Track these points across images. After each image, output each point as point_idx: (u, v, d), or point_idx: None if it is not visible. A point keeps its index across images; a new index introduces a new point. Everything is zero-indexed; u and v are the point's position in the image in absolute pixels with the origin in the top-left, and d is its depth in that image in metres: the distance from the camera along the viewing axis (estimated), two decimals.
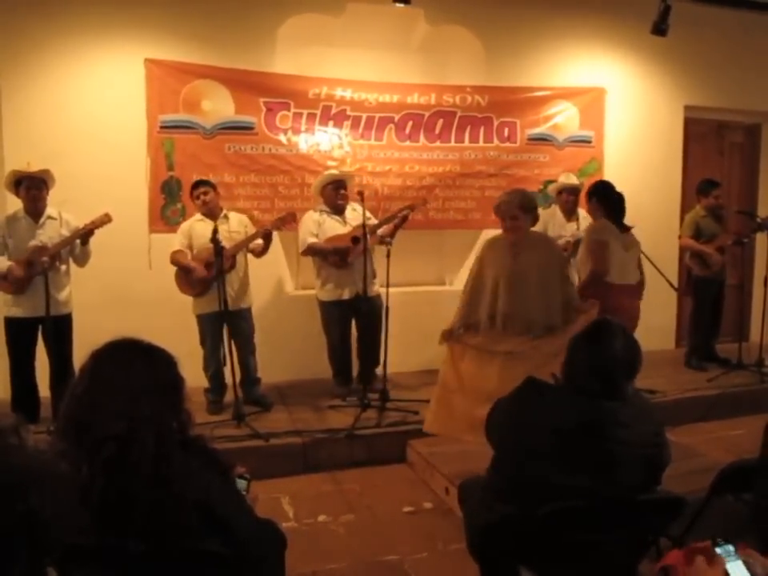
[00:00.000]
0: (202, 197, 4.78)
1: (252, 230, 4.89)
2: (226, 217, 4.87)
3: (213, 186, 4.87)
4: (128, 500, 1.52)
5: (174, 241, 4.82)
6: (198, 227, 4.73)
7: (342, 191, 5.09)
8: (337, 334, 5.22)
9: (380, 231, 5.06)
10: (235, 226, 4.86)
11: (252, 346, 4.95)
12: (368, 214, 5.14)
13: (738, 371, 5.72)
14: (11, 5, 4.88)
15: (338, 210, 5.11)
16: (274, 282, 5.66)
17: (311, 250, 5.08)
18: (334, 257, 5.00)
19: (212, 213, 4.81)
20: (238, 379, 4.63)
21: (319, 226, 5.08)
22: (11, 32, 4.91)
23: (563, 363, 2.22)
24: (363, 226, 4.71)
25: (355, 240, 4.81)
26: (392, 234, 4.99)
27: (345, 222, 5.08)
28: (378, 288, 5.12)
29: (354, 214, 5.08)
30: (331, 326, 5.21)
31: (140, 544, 1.52)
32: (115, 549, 1.51)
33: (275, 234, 4.90)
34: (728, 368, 5.78)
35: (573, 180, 5.64)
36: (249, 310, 4.95)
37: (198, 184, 4.86)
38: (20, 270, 4.34)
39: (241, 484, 1.94)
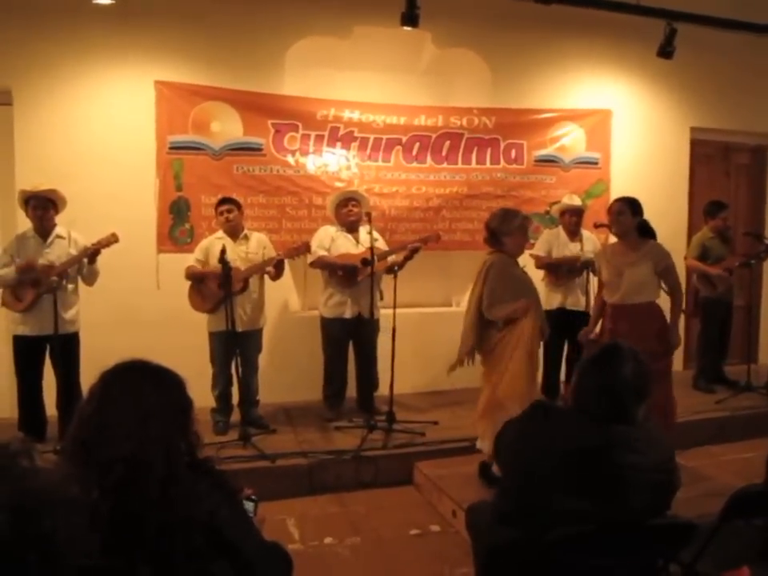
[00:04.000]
0: (225, 214, 4.81)
1: (271, 251, 4.91)
2: (246, 237, 4.89)
3: (238, 205, 4.89)
4: (136, 522, 1.52)
5: (191, 256, 4.86)
6: (216, 245, 4.72)
7: (351, 207, 5.08)
8: (332, 352, 5.21)
9: (390, 259, 5.07)
10: (254, 247, 4.87)
11: (255, 367, 4.95)
12: (378, 237, 5.16)
13: (747, 393, 5.69)
14: (23, 28, 4.96)
15: (351, 229, 5.12)
16: (280, 302, 5.67)
17: (320, 263, 5.08)
18: (341, 273, 5.01)
19: (234, 231, 4.84)
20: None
21: (332, 241, 5.10)
22: (24, 54, 4.98)
23: (572, 386, 2.21)
24: (371, 247, 4.73)
25: (365, 262, 4.81)
26: (402, 265, 4.99)
27: (358, 243, 5.09)
28: (378, 312, 5.10)
29: (368, 237, 5.10)
30: (329, 343, 5.21)
31: (148, 566, 1.51)
32: (123, 571, 1.50)
33: None
34: (736, 390, 5.75)
35: (576, 201, 5.65)
36: (260, 331, 4.96)
37: (223, 201, 4.89)
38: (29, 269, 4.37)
39: (248, 506, 1.93)
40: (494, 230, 4.06)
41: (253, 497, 1.97)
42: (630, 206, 4.38)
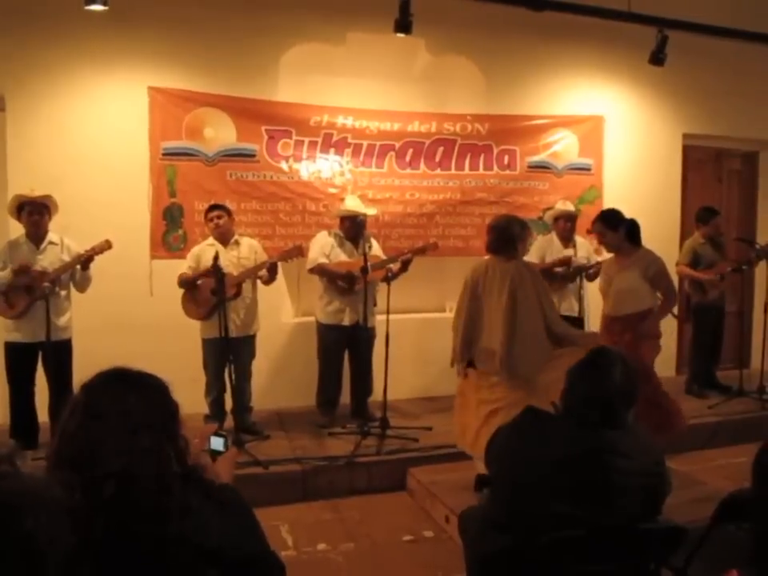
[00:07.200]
0: (215, 220, 4.80)
1: (262, 255, 4.90)
2: (236, 242, 4.89)
3: (227, 211, 4.89)
4: (130, 537, 1.49)
5: (183, 264, 4.85)
6: (207, 252, 4.72)
7: (359, 227, 5.06)
8: (328, 359, 5.21)
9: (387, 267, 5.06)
10: (245, 252, 4.87)
11: (249, 373, 4.94)
12: (374, 244, 5.16)
13: (739, 398, 5.71)
14: (17, 33, 4.95)
15: (352, 240, 5.13)
16: (274, 308, 5.66)
17: (320, 270, 5.07)
18: (341, 281, 5.01)
19: (224, 237, 4.83)
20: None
21: (332, 248, 5.10)
22: (17, 59, 4.97)
23: (562, 392, 2.22)
24: (365, 254, 4.74)
25: (363, 270, 4.82)
26: (396, 275, 4.98)
27: (356, 250, 5.09)
28: (374, 319, 5.12)
29: (365, 245, 5.12)
30: (326, 350, 5.21)
31: None
32: None
33: None
34: (729, 395, 5.77)
35: (569, 207, 5.67)
36: (253, 337, 4.95)
37: (212, 208, 4.88)
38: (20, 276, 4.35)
39: (217, 442, 1.88)
40: (515, 235, 3.96)
41: (221, 432, 1.95)
42: (607, 224, 4.44)
